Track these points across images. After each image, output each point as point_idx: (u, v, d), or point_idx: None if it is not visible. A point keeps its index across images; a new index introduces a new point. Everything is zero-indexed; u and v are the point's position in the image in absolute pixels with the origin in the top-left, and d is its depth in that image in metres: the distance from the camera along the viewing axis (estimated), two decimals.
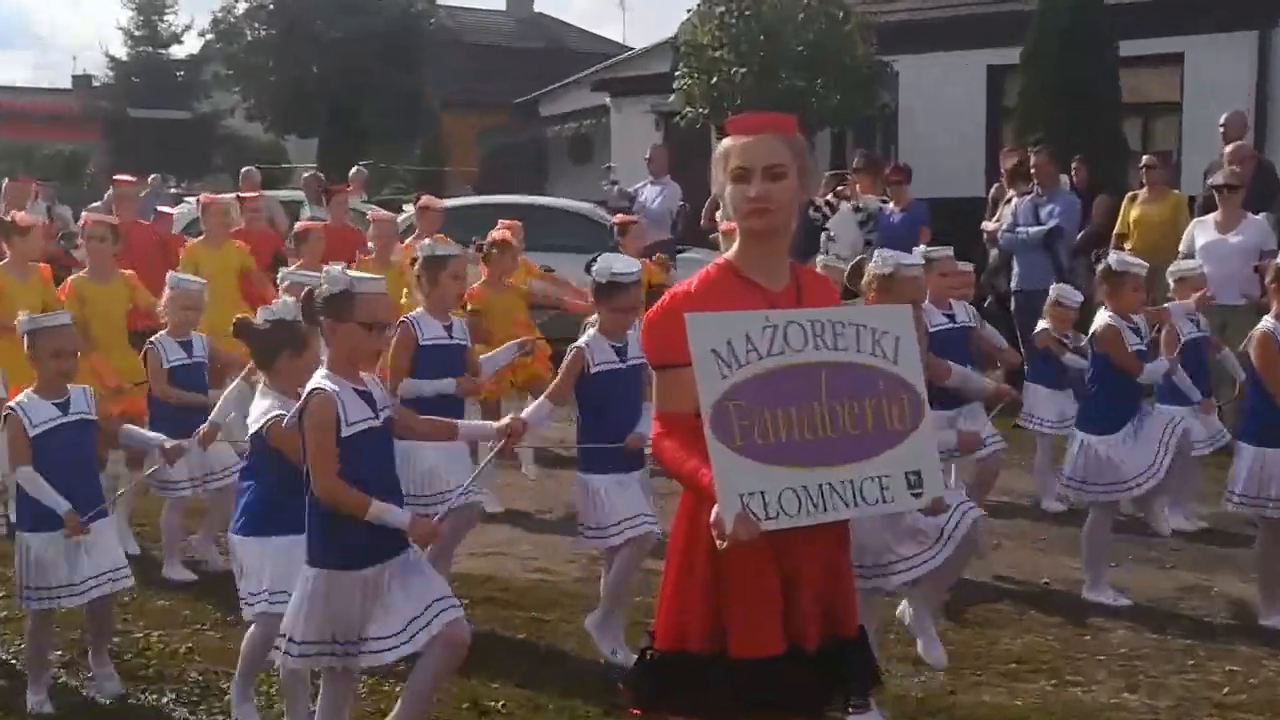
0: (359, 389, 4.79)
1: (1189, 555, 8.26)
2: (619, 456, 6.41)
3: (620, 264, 6.61)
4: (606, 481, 6.45)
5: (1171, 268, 9.03)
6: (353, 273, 4.97)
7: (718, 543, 3.48)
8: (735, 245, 3.77)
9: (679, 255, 14.02)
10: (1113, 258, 7.83)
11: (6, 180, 15.26)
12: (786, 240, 3.80)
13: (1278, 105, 18.32)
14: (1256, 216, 11.26)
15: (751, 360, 3.51)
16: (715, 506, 3.46)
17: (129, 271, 9.29)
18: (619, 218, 12.77)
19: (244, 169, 17.44)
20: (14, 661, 6.58)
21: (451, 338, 7.35)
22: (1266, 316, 7.10)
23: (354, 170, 18.55)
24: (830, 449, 3.57)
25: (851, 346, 3.63)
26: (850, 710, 4.30)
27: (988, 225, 13.83)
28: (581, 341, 6.60)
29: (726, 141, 3.72)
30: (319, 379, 4.77)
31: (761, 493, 3.48)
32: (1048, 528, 9.00)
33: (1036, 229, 12.27)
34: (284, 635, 4.84)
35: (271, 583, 5.39)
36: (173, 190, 22.77)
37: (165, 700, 6.16)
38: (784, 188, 3.65)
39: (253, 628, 5.56)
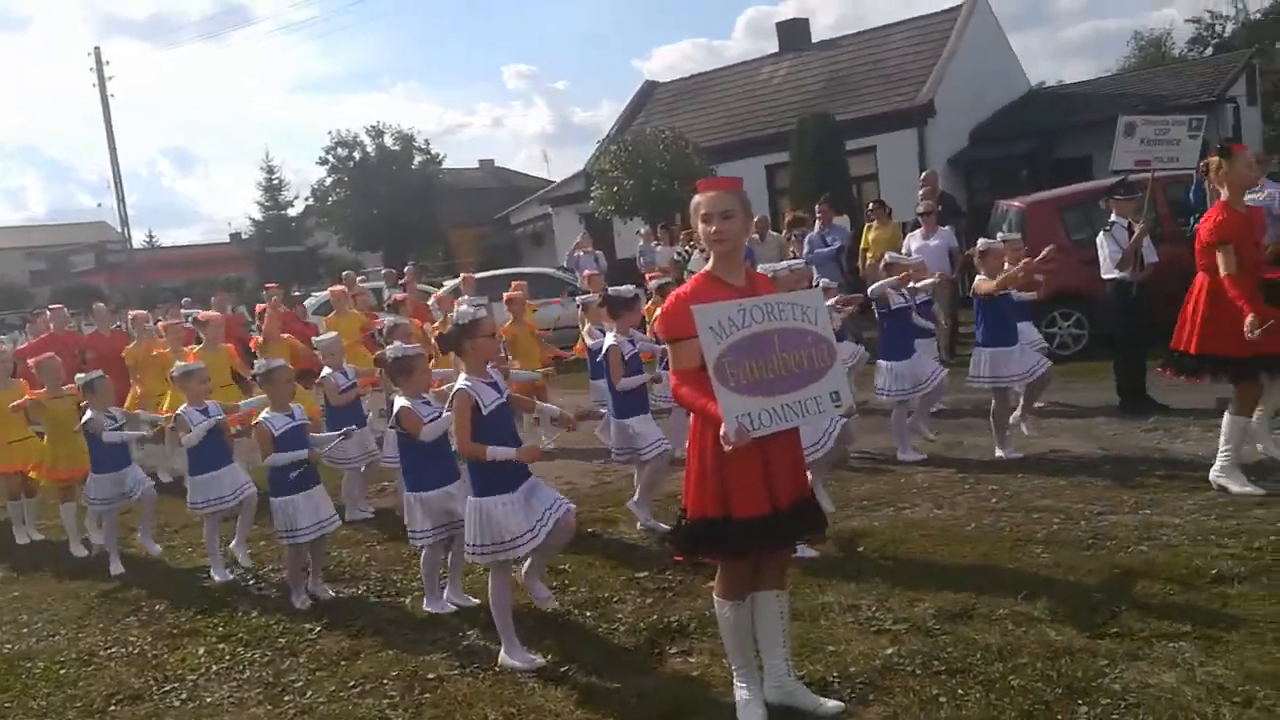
0: (486, 381, 4.26)
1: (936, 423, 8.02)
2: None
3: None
4: (636, 421, 5.97)
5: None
6: (473, 310, 4.37)
7: (725, 447, 3.15)
8: (710, 261, 3.42)
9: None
10: (888, 256, 7.68)
11: (215, 296, 14.40)
12: (740, 255, 3.44)
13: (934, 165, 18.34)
14: (944, 228, 11.01)
15: (733, 331, 3.19)
16: (722, 426, 3.13)
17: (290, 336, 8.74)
18: (586, 272, 12.34)
19: (344, 273, 16.53)
20: (275, 575, 6.06)
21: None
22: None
23: (407, 266, 17.32)
24: (785, 382, 3.26)
25: (790, 317, 3.31)
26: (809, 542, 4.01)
27: None
28: (610, 341, 6.06)
29: (697, 198, 3.38)
30: (460, 380, 4.21)
31: (749, 414, 3.16)
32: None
33: (826, 249, 11.93)
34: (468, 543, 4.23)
35: (427, 522, 4.89)
36: (296, 294, 21.54)
37: (360, 590, 5.69)
38: (733, 224, 3.32)
39: (425, 551, 5.07)
